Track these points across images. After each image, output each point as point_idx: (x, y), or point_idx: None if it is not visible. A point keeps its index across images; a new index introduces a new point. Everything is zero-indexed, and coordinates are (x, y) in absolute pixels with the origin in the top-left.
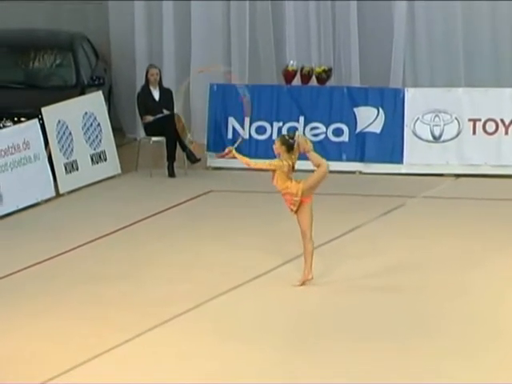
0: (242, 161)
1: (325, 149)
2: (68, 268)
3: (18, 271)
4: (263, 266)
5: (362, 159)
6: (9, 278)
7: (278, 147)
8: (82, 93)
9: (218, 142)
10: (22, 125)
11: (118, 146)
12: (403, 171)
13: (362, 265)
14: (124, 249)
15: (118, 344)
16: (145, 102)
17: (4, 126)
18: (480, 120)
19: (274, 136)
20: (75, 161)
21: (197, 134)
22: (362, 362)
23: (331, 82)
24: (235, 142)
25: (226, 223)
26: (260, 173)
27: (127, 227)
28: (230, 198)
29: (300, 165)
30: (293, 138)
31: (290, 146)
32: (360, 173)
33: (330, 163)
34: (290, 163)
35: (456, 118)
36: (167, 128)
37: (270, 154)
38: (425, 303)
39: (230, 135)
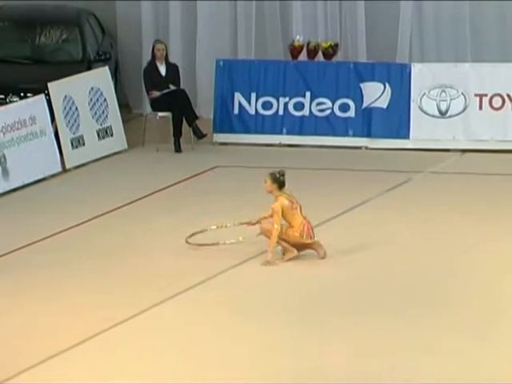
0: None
1: (331, 124)
2: (76, 242)
3: (27, 245)
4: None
5: (368, 134)
6: (18, 252)
7: (269, 185)
8: (89, 68)
9: (224, 117)
10: (28, 100)
11: (124, 122)
12: (409, 146)
13: (366, 240)
14: (131, 223)
15: (127, 318)
16: (151, 77)
17: (10, 101)
18: (486, 95)
19: (281, 112)
20: (81, 136)
21: (203, 110)
22: (369, 336)
23: (337, 58)
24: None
25: (232, 198)
26: (266, 149)
27: (134, 202)
28: (236, 174)
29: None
30: (283, 175)
31: (281, 184)
32: (366, 148)
33: (337, 139)
34: (287, 196)
35: (462, 93)
36: (174, 103)
37: (276, 129)
38: (428, 278)
39: (236, 110)
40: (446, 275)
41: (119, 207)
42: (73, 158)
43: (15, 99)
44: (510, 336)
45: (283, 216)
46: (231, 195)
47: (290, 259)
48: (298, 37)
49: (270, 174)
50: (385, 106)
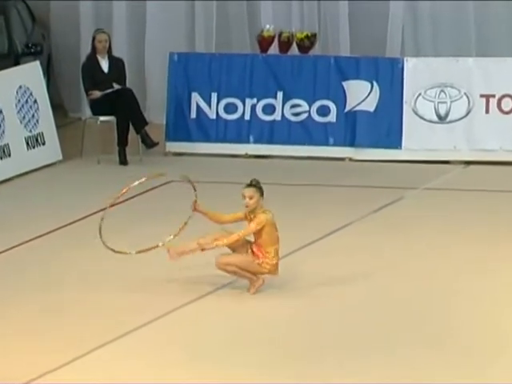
0: (228, 241)
1: (308, 131)
2: (5, 273)
3: None
4: None
5: (352, 143)
6: None
7: (256, 201)
8: (16, 63)
9: (179, 123)
10: None
11: (58, 127)
12: (402, 158)
13: (354, 267)
14: (68, 250)
15: (57, 367)
16: (91, 74)
17: None
18: (494, 96)
19: (247, 116)
20: (7, 145)
21: (154, 114)
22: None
23: (315, 51)
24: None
25: (189, 220)
26: (229, 160)
27: (71, 224)
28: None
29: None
30: (259, 183)
31: (262, 191)
32: (350, 160)
33: (314, 148)
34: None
35: (465, 94)
36: (118, 105)
37: (242, 137)
38: (422, 311)
39: (193, 114)
40: (443, 307)
41: (52, 231)
42: None
43: None
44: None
45: (260, 234)
46: (188, 216)
47: (257, 289)
48: (267, 26)
49: (254, 186)
50: (372, 110)
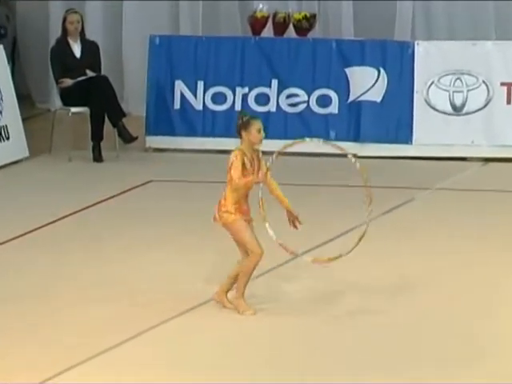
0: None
1: (306, 124)
2: None
3: None
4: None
5: (356, 138)
6: None
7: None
8: None
9: (160, 115)
10: None
11: (24, 120)
12: (412, 154)
13: (356, 278)
14: (35, 258)
15: None
16: (62, 59)
17: None
18: None
19: (237, 107)
20: None
21: (132, 105)
22: None
23: (315, 33)
24: None
25: (170, 223)
26: (217, 157)
27: (36, 230)
28: (177, 190)
29: None
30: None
31: None
32: (354, 156)
33: None
34: None
35: (484, 82)
36: (92, 95)
37: (231, 131)
38: (430, 329)
39: (177, 105)
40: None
41: (17, 236)
42: None
43: None
44: None
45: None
46: (170, 219)
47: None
48: (260, 5)
49: (258, 118)
50: (379, 100)
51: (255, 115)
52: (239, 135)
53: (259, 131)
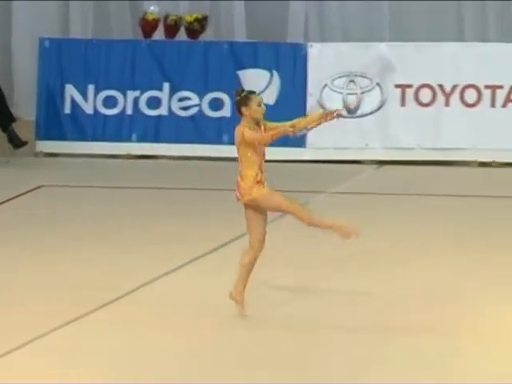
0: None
1: (199, 127)
2: None
3: None
4: (119, 288)
5: None
6: None
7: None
8: None
9: (51, 119)
10: None
11: None
12: (306, 157)
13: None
14: None
15: None
16: None
17: None
18: (411, 86)
19: (129, 111)
20: None
21: (22, 109)
22: None
23: (207, 36)
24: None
25: (62, 229)
26: (109, 161)
27: None
28: (69, 196)
29: None
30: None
31: None
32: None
33: (207, 147)
34: None
35: (378, 84)
36: None
37: (123, 135)
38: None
39: (67, 109)
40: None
41: None
42: None
43: None
44: None
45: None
46: (62, 225)
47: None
48: (151, 7)
49: (255, 92)
50: (272, 102)
51: (251, 90)
52: (239, 112)
53: (260, 104)
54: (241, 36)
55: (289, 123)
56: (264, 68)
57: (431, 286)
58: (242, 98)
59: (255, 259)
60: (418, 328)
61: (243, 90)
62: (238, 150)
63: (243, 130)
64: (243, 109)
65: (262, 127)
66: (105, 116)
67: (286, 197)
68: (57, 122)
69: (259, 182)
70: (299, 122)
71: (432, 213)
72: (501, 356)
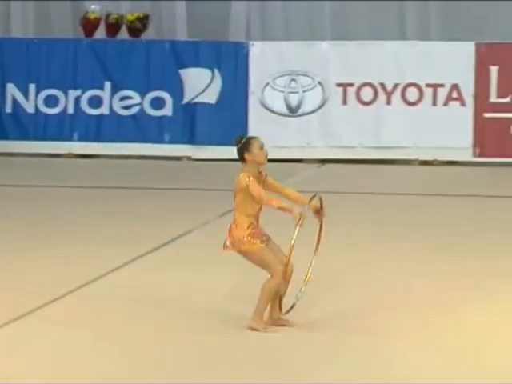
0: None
1: (140, 126)
2: None
3: None
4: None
5: (191, 140)
6: None
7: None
8: None
9: None
10: None
11: None
12: None
13: (183, 285)
14: None
15: None
16: None
17: None
18: (353, 85)
19: (70, 110)
20: None
21: None
22: None
23: (148, 35)
24: None
25: (2, 229)
26: (50, 160)
27: None
28: (9, 196)
29: None
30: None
31: None
32: (189, 159)
33: (148, 146)
34: None
35: (320, 83)
36: None
37: (64, 134)
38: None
39: (8, 108)
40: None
41: None
42: None
43: None
44: None
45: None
46: (2, 226)
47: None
48: (93, 6)
49: (255, 137)
50: (213, 102)
51: (251, 135)
52: (242, 159)
53: (261, 148)
54: (182, 35)
55: (283, 189)
56: (205, 67)
57: (380, 286)
58: (243, 145)
59: (280, 282)
60: (367, 330)
61: (242, 137)
62: (236, 196)
63: (248, 180)
64: (246, 154)
65: (264, 175)
66: (46, 115)
67: (277, 255)
68: None
69: (252, 235)
70: (288, 194)
71: (374, 212)
72: (449, 357)
